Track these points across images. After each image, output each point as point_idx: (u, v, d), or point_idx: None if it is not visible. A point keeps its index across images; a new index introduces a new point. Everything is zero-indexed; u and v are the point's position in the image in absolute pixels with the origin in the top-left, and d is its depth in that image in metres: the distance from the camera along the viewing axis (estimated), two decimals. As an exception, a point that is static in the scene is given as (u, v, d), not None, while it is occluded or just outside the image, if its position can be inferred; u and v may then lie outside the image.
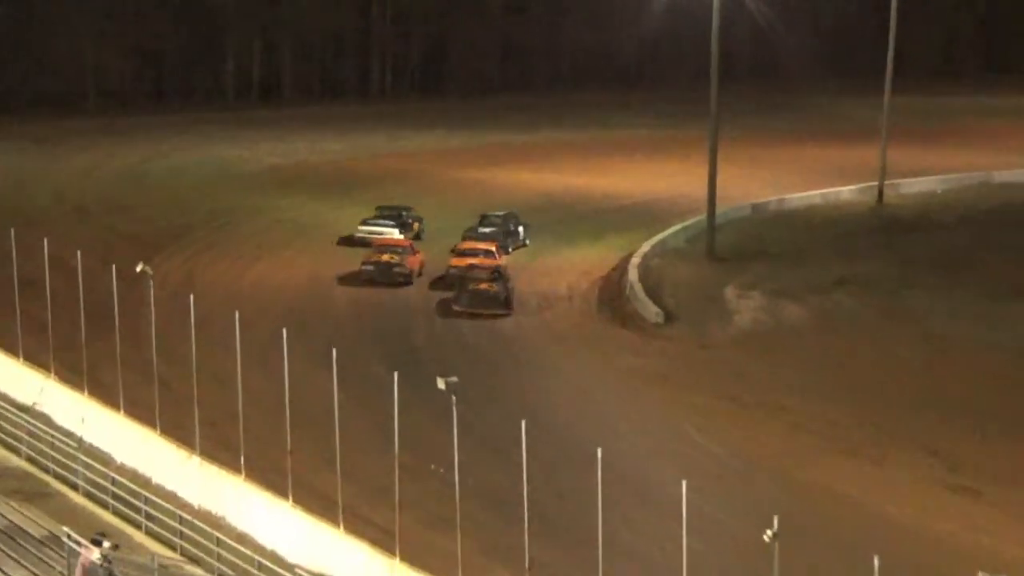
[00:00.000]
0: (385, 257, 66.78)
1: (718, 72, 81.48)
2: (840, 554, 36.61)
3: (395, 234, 76.27)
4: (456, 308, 62.38)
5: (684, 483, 30.43)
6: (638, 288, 74.74)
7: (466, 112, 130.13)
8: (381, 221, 77.94)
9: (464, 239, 78.97)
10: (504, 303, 64.89)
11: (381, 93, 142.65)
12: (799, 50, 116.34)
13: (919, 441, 53.42)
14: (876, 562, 27.45)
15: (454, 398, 35.84)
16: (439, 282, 73.75)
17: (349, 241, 76.87)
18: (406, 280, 69.20)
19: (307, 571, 38.96)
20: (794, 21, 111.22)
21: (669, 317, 70.79)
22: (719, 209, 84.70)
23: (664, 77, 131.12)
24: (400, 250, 72.17)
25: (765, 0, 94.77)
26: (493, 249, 72.78)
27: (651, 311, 71.66)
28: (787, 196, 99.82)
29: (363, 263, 68.49)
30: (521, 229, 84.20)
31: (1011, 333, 68.65)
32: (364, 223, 77.77)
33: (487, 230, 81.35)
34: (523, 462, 33.63)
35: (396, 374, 37.88)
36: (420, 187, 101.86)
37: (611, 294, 76.38)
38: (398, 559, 36.89)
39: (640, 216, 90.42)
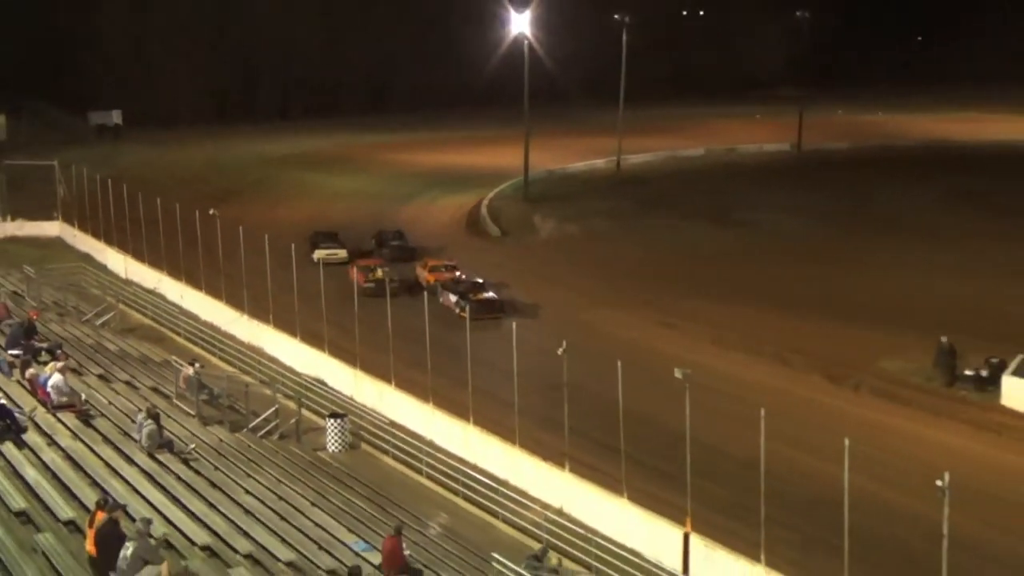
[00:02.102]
0: (379, 275, 55.93)
1: (528, 95, 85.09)
2: (599, 359, 36.33)
3: (344, 253, 64.54)
4: (463, 315, 50.67)
5: (514, 324, 37.14)
6: (486, 217, 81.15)
7: (390, 119, 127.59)
8: (332, 244, 65.15)
9: (375, 256, 65.37)
10: (501, 308, 55.36)
11: (348, 108, 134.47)
12: (564, 76, 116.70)
13: (641, 298, 59.14)
14: (619, 364, 32.81)
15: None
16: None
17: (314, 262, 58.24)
18: (399, 288, 54.46)
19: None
20: (563, 54, 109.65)
21: (504, 232, 77.68)
22: (529, 173, 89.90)
23: (487, 100, 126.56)
24: (382, 266, 60.02)
25: (545, 39, 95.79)
26: (455, 264, 61.66)
27: (494, 229, 78.47)
28: (566, 165, 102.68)
29: (363, 283, 55.49)
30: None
31: (691, 238, 74.77)
32: (318, 248, 63.93)
33: (397, 243, 68.61)
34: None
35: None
36: (367, 163, 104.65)
37: (472, 220, 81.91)
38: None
39: (487, 178, 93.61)
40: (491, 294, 56.91)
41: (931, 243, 71.51)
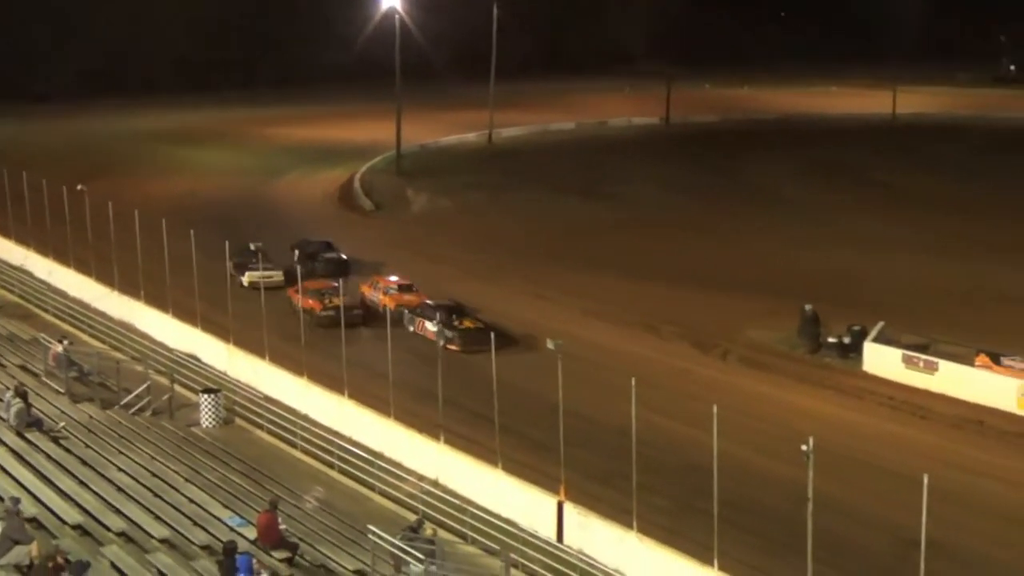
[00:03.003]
0: (336, 301, 45.21)
1: (400, 70, 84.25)
2: None
3: (281, 275, 53.13)
4: (451, 347, 43.72)
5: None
6: (359, 191, 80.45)
7: (262, 95, 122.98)
8: (265, 265, 51.96)
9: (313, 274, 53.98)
10: (488, 335, 37.96)
11: (219, 84, 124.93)
12: (435, 52, 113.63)
13: (513, 270, 59.56)
14: (492, 336, 34.15)
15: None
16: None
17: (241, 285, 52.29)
18: (362, 317, 47.83)
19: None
20: (434, 30, 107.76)
21: (377, 206, 76.68)
22: (401, 147, 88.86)
23: (359, 75, 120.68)
24: (334, 291, 47.46)
25: (416, 15, 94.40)
26: (410, 282, 52.28)
27: (367, 203, 77.63)
28: (439, 139, 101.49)
29: (319, 311, 47.59)
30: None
31: (562, 210, 74.75)
32: (248, 269, 52.37)
33: (330, 255, 57.76)
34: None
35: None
36: (239, 138, 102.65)
37: (345, 194, 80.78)
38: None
39: (359, 152, 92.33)
40: (477, 319, 47.84)
41: (792, 214, 72.65)
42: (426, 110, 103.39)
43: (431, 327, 45.43)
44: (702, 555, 27.54)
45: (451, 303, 49.15)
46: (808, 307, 47.40)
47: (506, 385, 34.02)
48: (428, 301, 49.33)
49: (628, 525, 29.28)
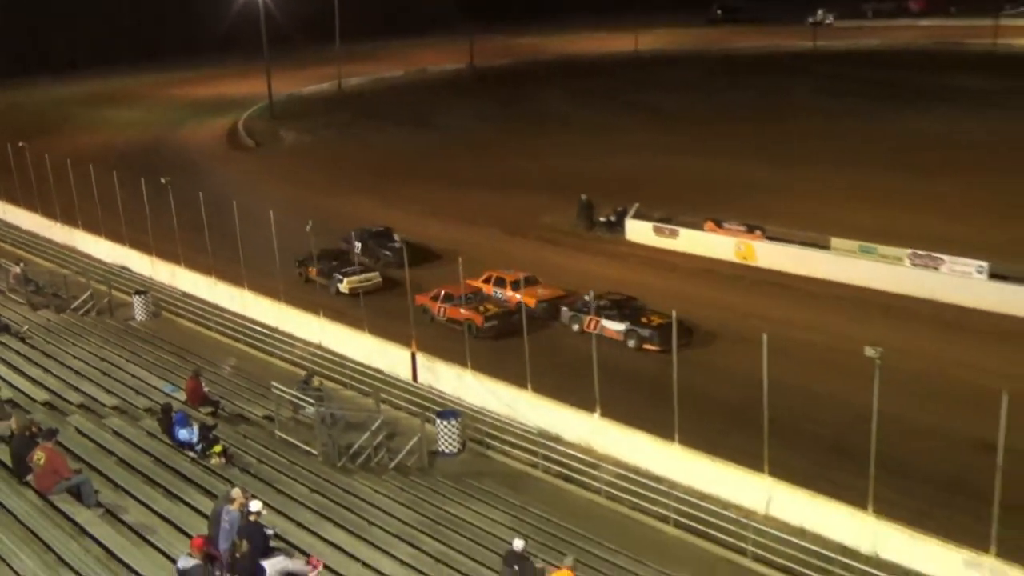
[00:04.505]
0: (493, 308, 34.09)
1: (265, 36, 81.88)
2: (335, 232, 38.63)
3: (378, 276, 38.93)
4: (649, 348, 31.66)
5: (271, 211, 35.13)
6: (242, 133, 77.93)
7: (163, 63, 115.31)
8: (358, 267, 38.50)
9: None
10: (685, 328, 30.27)
11: (128, 56, 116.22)
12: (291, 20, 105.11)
13: (367, 187, 56.69)
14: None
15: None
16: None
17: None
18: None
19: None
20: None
21: (257, 144, 74.24)
22: (272, 97, 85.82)
23: (234, 43, 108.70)
24: (480, 296, 35.58)
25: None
26: (533, 276, 36.48)
27: (249, 142, 75.18)
28: (300, 89, 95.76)
29: (484, 326, 33.47)
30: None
31: (401, 139, 72.65)
32: (342, 274, 38.66)
33: (396, 244, 41.50)
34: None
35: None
36: (146, 98, 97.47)
37: (232, 137, 78.00)
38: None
39: (241, 104, 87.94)
40: (657, 312, 32.54)
41: (574, 132, 71.53)
42: (288, 68, 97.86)
43: (613, 326, 32.65)
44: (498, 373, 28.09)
45: (621, 296, 34.11)
46: (583, 197, 47.85)
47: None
48: (586, 296, 32.79)
49: (463, 365, 29.58)
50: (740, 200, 48.18)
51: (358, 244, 42.42)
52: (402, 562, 18.07)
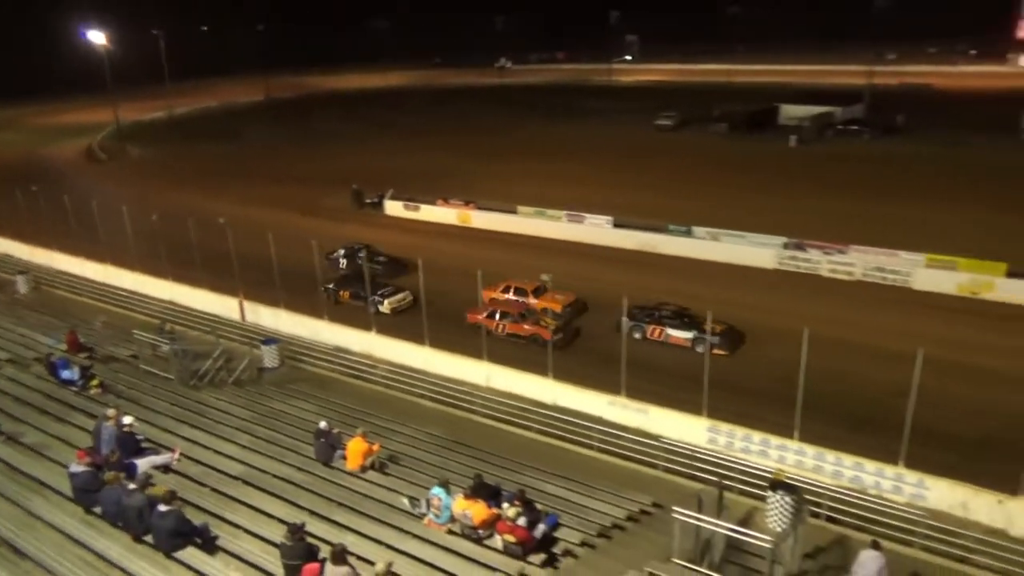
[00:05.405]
0: (551, 321, 26.15)
1: (110, 78, 72.27)
2: (177, 217, 32.92)
3: (410, 295, 29.13)
4: (719, 353, 23.62)
5: (124, 208, 32.62)
6: (97, 149, 69.46)
7: (38, 98, 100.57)
8: (391, 288, 29.83)
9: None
10: (740, 333, 25.21)
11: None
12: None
13: (194, 185, 51.81)
14: (190, 221, 29.68)
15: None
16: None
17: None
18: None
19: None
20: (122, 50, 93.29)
21: (109, 158, 65.79)
22: (119, 123, 76.19)
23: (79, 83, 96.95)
24: (530, 310, 26.80)
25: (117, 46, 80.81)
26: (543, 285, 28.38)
27: (102, 156, 66.93)
28: (140, 117, 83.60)
29: (552, 339, 24.17)
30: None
31: (219, 151, 66.46)
32: (382, 296, 29.17)
33: (384, 257, 33.77)
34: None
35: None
36: (17, 125, 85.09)
37: (89, 153, 68.09)
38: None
39: (96, 129, 76.97)
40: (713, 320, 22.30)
41: (345, 143, 68.68)
42: (131, 101, 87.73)
43: (680, 334, 25.30)
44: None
45: (677, 306, 26.22)
46: (354, 186, 46.56)
47: (193, 245, 30.61)
48: (642, 306, 25.91)
49: (280, 307, 28.37)
50: (459, 184, 47.79)
51: (343, 261, 34.14)
52: (243, 446, 17.45)
